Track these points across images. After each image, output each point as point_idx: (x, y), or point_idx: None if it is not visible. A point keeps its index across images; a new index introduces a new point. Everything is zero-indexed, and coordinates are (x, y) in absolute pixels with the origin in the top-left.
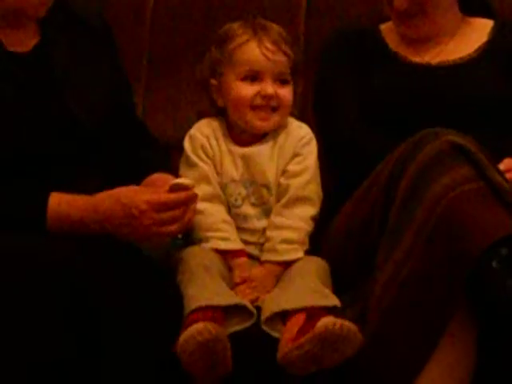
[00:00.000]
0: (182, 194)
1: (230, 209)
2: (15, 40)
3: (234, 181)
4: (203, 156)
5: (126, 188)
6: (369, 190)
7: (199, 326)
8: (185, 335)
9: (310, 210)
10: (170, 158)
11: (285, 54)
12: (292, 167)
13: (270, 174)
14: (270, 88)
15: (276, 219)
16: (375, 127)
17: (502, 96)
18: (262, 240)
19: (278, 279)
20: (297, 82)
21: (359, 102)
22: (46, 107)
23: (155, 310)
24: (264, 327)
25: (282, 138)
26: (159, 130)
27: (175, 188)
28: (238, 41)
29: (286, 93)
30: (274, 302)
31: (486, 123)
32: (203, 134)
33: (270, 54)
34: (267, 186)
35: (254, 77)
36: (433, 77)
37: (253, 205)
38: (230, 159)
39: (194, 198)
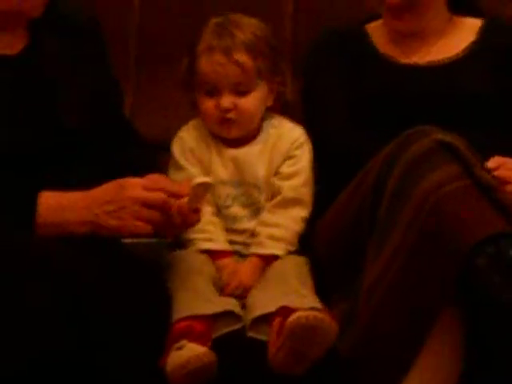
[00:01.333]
0: (177, 187)
1: (219, 210)
2: (4, 42)
3: (222, 182)
4: (191, 159)
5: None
6: (357, 188)
7: (190, 352)
8: (174, 362)
9: (301, 212)
10: (156, 157)
11: (237, 64)
12: (285, 169)
13: (261, 174)
14: (225, 102)
15: (266, 216)
16: (365, 128)
17: (490, 95)
18: (250, 240)
19: (260, 275)
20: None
21: (348, 103)
22: (35, 109)
23: (144, 312)
24: (249, 333)
25: (273, 138)
26: (147, 130)
27: (198, 188)
28: (197, 51)
29: (247, 103)
30: (254, 307)
31: (474, 122)
32: (192, 136)
33: (219, 68)
34: (258, 186)
35: (211, 90)
36: (420, 77)
37: (243, 205)
38: (220, 160)
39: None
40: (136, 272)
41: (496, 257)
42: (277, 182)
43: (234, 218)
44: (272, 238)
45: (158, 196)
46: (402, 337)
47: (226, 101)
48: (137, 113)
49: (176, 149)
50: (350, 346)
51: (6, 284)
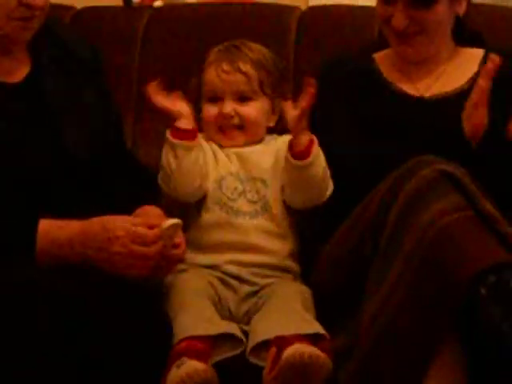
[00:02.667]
0: (157, 231)
1: (224, 203)
2: (7, 70)
3: (231, 174)
4: None
5: (116, 216)
6: (360, 217)
7: (189, 368)
8: (174, 377)
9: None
10: (157, 189)
11: (243, 73)
12: None
13: (266, 167)
14: (227, 107)
15: None
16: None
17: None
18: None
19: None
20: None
21: (357, 131)
22: (39, 138)
23: (143, 338)
24: (250, 358)
25: (276, 145)
26: (148, 160)
27: (169, 229)
28: (206, 63)
29: (248, 110)
30: (256, 332)
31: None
32: None
33: (224, 75)
34: (263, 180)
35: (214, 97)
36: (425, 109)
37: (248, 201)
38: (225, 154)
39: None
40: (134, 297)
41: (497, 286)
42: None
43: (237, 213)
44: None
45: (140, 250)
46: (403, 368)
47: (228, 107)
48: (138, 143)
49: None
50: (350, 377)
51: (12, 318)
